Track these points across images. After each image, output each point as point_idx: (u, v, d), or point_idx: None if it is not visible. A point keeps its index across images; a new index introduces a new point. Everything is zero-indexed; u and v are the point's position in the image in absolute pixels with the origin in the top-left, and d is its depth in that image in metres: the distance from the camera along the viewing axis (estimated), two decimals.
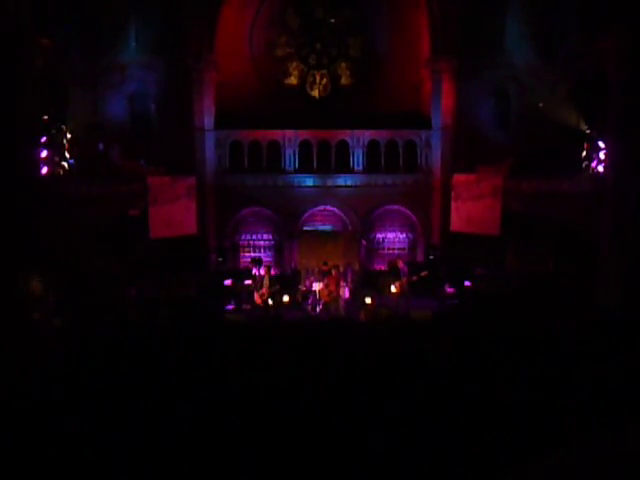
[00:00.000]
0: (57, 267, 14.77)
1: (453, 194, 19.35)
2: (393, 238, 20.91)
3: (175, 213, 18.40)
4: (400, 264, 17.40)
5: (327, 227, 20.45)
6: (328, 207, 20.34)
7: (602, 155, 16.68)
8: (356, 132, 19.89)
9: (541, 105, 18.97)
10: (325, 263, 17.50)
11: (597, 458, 3.27)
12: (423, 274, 16.84)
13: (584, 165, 17.29)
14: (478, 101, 19.86)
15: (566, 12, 18.16)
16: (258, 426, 6.49)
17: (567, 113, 18.19)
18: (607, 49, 16.18)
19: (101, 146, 18.20)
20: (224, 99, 19.74)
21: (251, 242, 20.53)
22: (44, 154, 16.45)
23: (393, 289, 16.92)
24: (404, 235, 20.89)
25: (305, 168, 19.93)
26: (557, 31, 18.42)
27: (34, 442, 6.12)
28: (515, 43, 19.24)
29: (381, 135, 20.03)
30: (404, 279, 16.95)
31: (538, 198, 17.63)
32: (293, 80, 20.96)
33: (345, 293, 17.06)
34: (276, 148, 19.89)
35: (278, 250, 20.53)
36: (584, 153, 17.37)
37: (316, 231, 20.18)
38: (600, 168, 16.72)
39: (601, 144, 16.68)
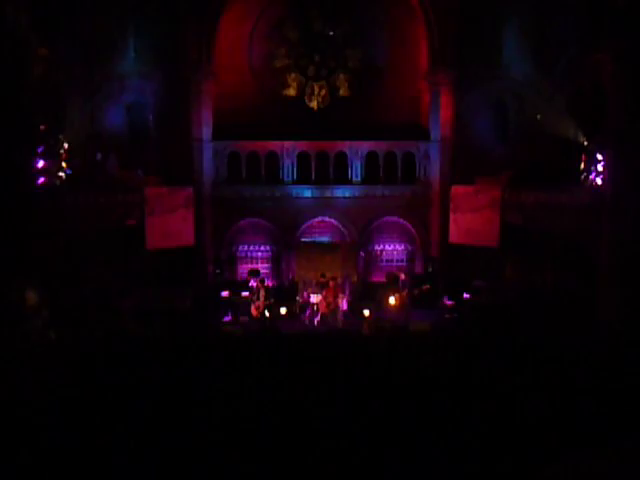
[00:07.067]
0: (53, 278, 14.65)
1: (452, 206, 19.32)
2: (391, 250, 20.83)
3: (172, 224, 18.32)
4: (401, 276, 17.34)
5: (325, 238, 20.36)
6: (326, 218, 20.28)
7: (600, 167, 16.62)
8: (354, 143, 19.88)
9: (539, 117, 18.97)
10: (323, 275, 17.45)
11: (590, 473, 3.19)
12: (425, 288, 16.76)
13: (582, 177, 17.24)
14: (476, 113, 19.86)
15: (563, 24, 18.20)
16: (255, 437, 6.39)
17: (565, 125, 18.16)
18: (604, 61, 16.20)
19: (99, 156, 18.12)
20: (222, 110, 19.71)
21: (248, 253, 20.45)
22: (41, 164, 16.35)
23: (392, 301, 16.83)
24: (402, 247, 20.82)
25: (303, 179, 19.89)
26: (555, 43, 18.44)
27: (31, 453, 6.02)
28: (513, 55, 19.28)
29: (380, 146, 20.02)
30: (404, 291, 16.89)
31: (537, 210, 17.58)
32: (292, 91, 20.95)
33: (343, 305, 17.00)
34: (274, 159, 19.86)
35: (276, 261, 20.43)
36: (582, 165, 17.32)
37: (314, 242, 20.10)
38: (598, 180, 16.66)
39: (599, 156, 16.63)
